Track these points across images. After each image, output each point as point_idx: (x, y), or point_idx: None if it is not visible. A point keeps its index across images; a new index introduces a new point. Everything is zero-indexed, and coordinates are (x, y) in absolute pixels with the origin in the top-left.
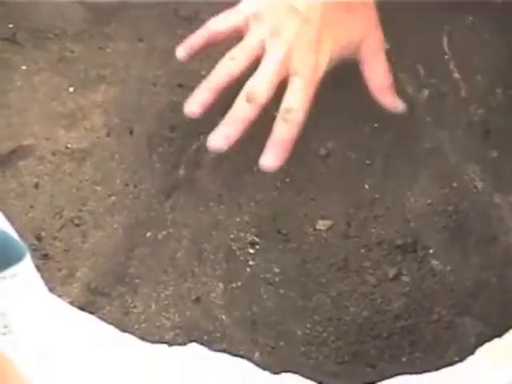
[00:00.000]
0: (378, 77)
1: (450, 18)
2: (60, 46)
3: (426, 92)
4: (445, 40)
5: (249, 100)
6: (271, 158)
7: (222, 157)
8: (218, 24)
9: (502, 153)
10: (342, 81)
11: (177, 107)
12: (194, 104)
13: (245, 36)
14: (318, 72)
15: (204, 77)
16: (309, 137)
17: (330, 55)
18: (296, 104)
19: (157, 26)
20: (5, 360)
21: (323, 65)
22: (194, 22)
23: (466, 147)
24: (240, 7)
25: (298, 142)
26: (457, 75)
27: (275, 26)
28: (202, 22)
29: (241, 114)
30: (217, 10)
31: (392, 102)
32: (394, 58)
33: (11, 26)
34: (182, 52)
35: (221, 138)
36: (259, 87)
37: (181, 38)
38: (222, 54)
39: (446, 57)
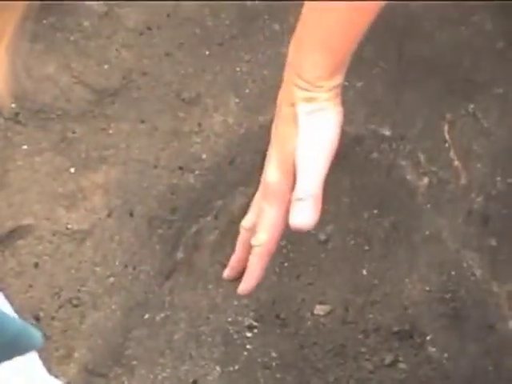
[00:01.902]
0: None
1: (451, 106)
2: (62, 126)
3: (426, 179)
4: (446, 128)
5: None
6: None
7: (220, 240)
8: (248, 219)
9: (501, 241)
10: (342, 168)
11: (177, 190)
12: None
13: None
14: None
15: (204, 160)
16: None
17: (278, 166)
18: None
19: (159, 108)
20: None
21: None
22: (195, 104)
23: (464, 235)
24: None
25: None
26: (457, 163)
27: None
28: (204, 104)
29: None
30: (218, 93)
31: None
32: (395, 145)
33: (14, 105)
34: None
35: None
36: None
37: (182, 121)
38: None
39: (447, 144)
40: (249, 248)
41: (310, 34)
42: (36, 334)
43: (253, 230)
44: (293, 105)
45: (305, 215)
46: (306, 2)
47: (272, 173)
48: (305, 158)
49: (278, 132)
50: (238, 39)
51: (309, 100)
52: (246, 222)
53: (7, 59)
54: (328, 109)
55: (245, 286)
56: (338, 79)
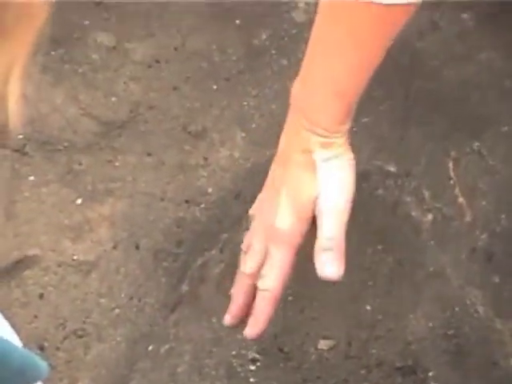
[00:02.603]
0: (327, 232)
1: (456, 143)
2: (68, 158)
3: (430, 216)
4: (450, 165)
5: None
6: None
7: (225, 273)
8: (249, 264)
9: (505, 278)
10: None
11: (183, 223)
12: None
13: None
14: (287, 233)
15: (210, 194)
16: (311, 255)
17: (293, 213)
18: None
19: (165, 142)
20: None
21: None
22: (202, 138)
23: (468, 272)
24: (255, 230)
25: (301, 260)
26: (461, 200)
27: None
28: (210, 138)
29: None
30: (225, 127)
31: (331, 267)
32: (400, 181)
33: (21, 137)
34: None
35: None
36: (248, 265)
37: (188, 154)
38: (226, 171)
39: (452, 181)
40: (250, 293)
41: (320, 81)
42: (42, 364)
43: (255, 274)
44: (308, 151)
45: (334, 265)
46: (310, 46)
47: (285, 219)
48: (328, 206)
49: (290, 179)
50: (245, 74)
51: (326, 146)
52: (250, 267)
53: (20, 90)
54: (344, 154)
55: (252, 330)
56: (350, 122)
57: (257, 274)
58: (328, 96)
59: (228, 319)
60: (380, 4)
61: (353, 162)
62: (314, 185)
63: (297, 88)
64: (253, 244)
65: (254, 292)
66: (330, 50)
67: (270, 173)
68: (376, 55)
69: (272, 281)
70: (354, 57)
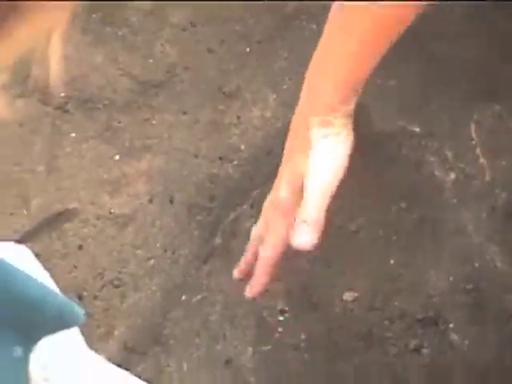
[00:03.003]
0: (310, 211)
1: (478, 106)
2: (108, 115)
3: (452, 175)
4: (472, 127)
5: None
6: (306, 237)
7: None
8: (257, 229)
9: None
10: (373, 162)
11: (216, 179)
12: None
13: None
14: (283, 201)
15: (242, 151)
16: (340, 214)
17: (287, 184)
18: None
19: (200, 101)
20: None
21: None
22: (235, 98)
23: (488, 229)
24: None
25: (330, 218)
26: (482, 160)
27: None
28: (243, 98)
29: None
30: (257, 88)
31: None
32: (424, 142)
33: (63, 95)
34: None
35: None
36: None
37: (222, 113)
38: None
39: (473, 142)
40: (257, 253)
41: (331, 58)
42: (79, 311)
43: (261, 238)
44: (308, 129)
45: (307, 237)
46: (325, 31)
47: (282, 189)
48: (314, 184)
49: (291, 153)
50: (276, 38)
51: (325, 124)
52: (255, 231)
53: (61, 50)
54: (342, 134)
55: (251, 290)
56: (353, 103)
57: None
58: (337, 72)
59: (235, 271)
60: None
61: (350, 145)
62: (307, 162)
63: (309, 68)
64: (264, 204)
65: None
66: (345, 27)
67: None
68: (380, 49)
69: (270, 248)
70: (370, 33)
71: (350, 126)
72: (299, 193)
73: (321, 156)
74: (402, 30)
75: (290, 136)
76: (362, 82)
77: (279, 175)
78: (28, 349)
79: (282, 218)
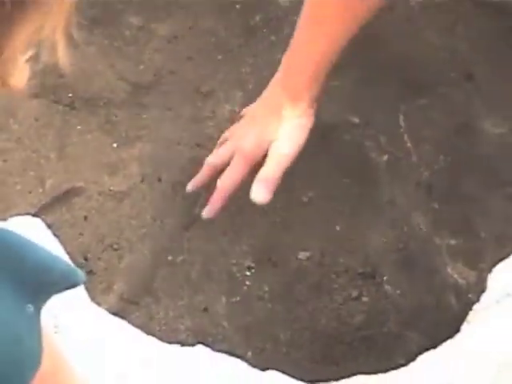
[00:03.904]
0: (267, 170)
1: (406, 100)
2: (107, 111)
3: (385, 157)
4: (401, 117)
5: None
6: (262, 193)
7: (228, 202)
8: (214, 159)
9: (442, 205)
10: (322, 148)
11: (195, 162)
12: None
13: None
14: (247, 151)
15: (216, 139)
16: (294, 187)
17: (255, 140)
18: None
19: (182, 99)
20: (58, 353)
21: (249, 145)
22: (210, 96)
23: (414, 200)
24: (228, 144)
25: (286, 191)
26: (409, 145)
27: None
28: (217, 97)
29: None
30: (228, 88)
31: (260, 190)
32: (362, 130)
33: (71, 95)
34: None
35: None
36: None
37: (200, 109)
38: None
39: (401, 130)
40: (207, 178)
41: (302, 50)
42: (80, 273)
43: (215, 168)
44: (281, 106)
45: (264, 193)
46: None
47: (249, 142)
48: (279, 149)
49: (264, 117)
50: (243, 47)
51: (295, 106)
52: (213, 159)
53: (66, 56)
54: (306, 116)
55: (208, 211)
56: (315, 90)
57: (215, 169)
58: (295, 69)
59: (188, 186)
60: None
61: (309, 124)
62: (276, 131)
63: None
64: (225, 145)
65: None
66: (304, 34)
67: (256, 104)
68: (341, 40)
69: (228, 182)
70: (323, 40)
71: (314, 107)
72: (262, 151)
73: (290, 129)
74: (360, 23)
75: (264, 103)
76: (324, 69)
77: (245, 123)
78: (39, 306)
79: (243, 163)
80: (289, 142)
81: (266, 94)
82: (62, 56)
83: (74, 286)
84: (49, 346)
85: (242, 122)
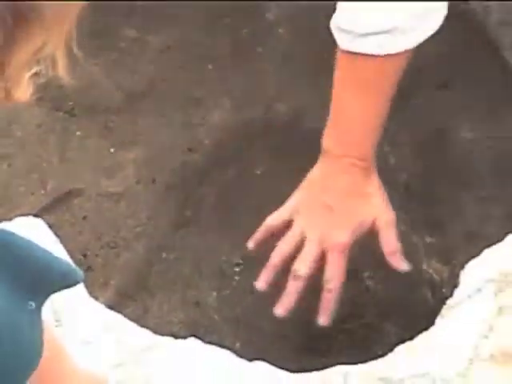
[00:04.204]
0: (389, 243)
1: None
2: (105, 118)
3: None
4: None
5: (295, 278)
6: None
7: (217, 202)
8: (273, 221)
9: (418, 206)
10: (306, 149)
11: (187, 165)
12: (263, 282)
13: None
14: (346, 246)
15: (206, 144)
16: (280, 190)
17: (351, 231)
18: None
19: (175, 106)
20: (59, 345)
21: (346, 239)
22: (201, 104)
23: (392, 200)
24: (286, 205)
25: (273, 192)
26: (387, 149)
27: (310, 218)
28: (206, 104)
29: (292, 289)
30: (217, 96)
31: (398, 263)
32: None
33: (71, 103)
34: (251, 244)
35: (282, 309)
36: (301, 266)
37: (191, 116)
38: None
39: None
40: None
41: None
42: (79, 273)
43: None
44: (358, 184)
45: (404, 263)
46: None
47: (347, 235)
48: (386, 222)
49: (343, 200)
50: (231, 58)
51: (366, 170)
52: (304, 266)
53: (67, 67)
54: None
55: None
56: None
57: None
58: (357, 132)
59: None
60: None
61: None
62: (368, 211)
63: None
64: (306, 245)
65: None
66: (349, 99)
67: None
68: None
69: (336, 282)
70: (370, 102)
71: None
72: (359, 235)
73: (380, 201)
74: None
75: (335, 185)
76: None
77: (331, 218)
78: (40, 303)
79: (342, 258)
80: (387, 208)
81: (319, 170)
82: (63, 69)
83: (73, 285)
84: (49, 339)
85: (311, 205)
